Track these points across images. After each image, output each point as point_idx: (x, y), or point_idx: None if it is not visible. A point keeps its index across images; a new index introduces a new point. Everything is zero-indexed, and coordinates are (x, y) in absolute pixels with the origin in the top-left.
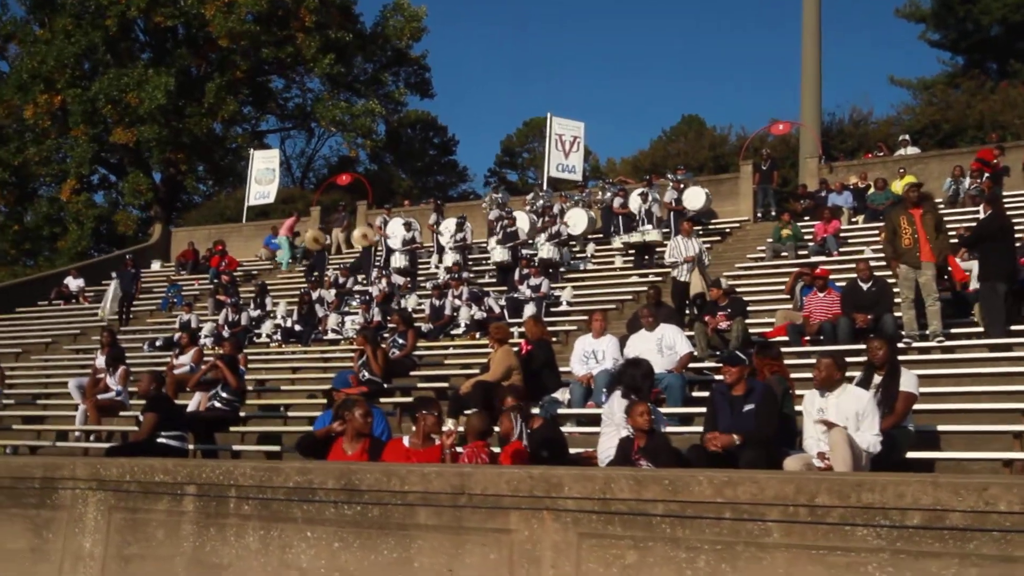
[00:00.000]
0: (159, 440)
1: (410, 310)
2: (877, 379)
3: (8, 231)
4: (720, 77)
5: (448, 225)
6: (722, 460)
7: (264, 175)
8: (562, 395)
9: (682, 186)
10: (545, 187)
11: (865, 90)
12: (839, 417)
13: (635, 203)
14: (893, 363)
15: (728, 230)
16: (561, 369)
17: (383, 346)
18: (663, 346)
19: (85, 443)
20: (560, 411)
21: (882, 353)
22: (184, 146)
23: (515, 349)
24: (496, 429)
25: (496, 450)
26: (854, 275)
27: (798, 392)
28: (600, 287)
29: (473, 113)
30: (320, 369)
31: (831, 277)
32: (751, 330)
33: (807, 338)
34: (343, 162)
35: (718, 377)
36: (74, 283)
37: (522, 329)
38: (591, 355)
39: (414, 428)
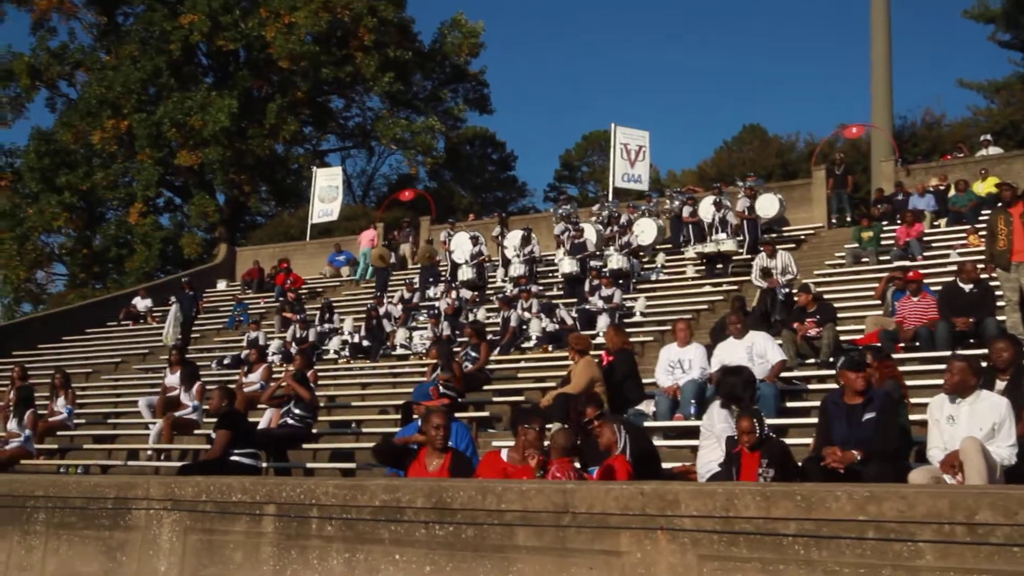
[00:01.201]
0: (232, 458)
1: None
2: (1000, 384)
3: (77, 255)
4: (780, 86)
5: (513, 237)
6: (840, 475)
7: (327, 193)
8: (647, 407)
9: (753, 193)
10: (611, 197)
11: (935, 93)
12: (973, 425)
13: (707, 211)
14: (1019, 366)
15: (803, 237)
16: (644, 381)
17: (456, 360)
18: (754, 354)
19: (156, 462)
20: (646, 424)
21: (1007, 355)
22: (247, 167)
23: (596, 360)
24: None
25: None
26: (946, 279)
27: (913, 401)
28: (673, 297)
29: (531, 128)
30: (390, 384)
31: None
32: (840, 337)
33: (901, 344)
34: (403, 180)
35: (819, 387)
36: (142, 303)
37: (599, 340)
38: (677, 365)
39: (513, 442)
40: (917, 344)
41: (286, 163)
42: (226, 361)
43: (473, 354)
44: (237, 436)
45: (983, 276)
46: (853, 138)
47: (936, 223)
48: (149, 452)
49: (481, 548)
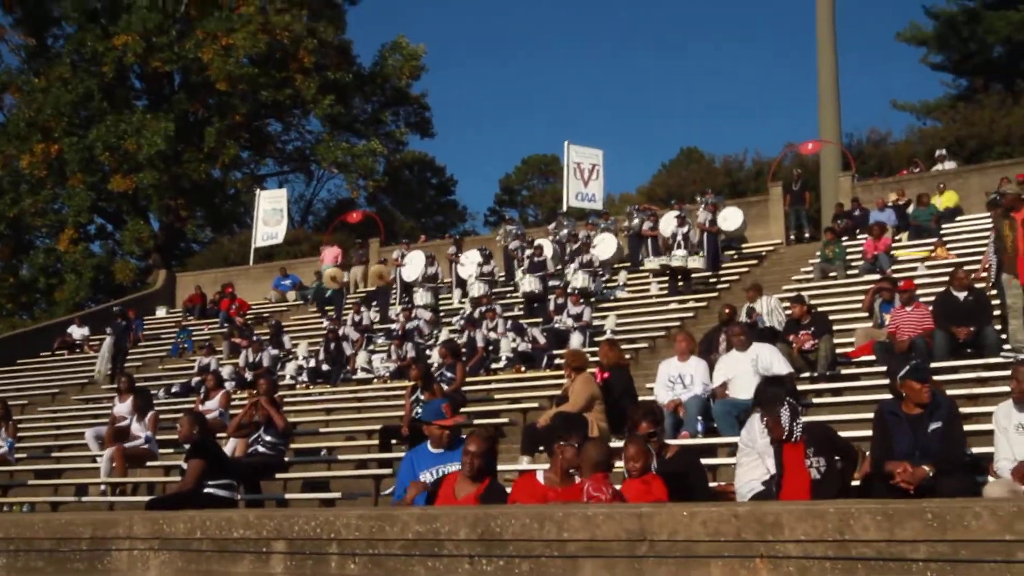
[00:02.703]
0: (206, 490)
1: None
2: None
3: (4, 284)
4: (717, 107)
5: (470, 257)
6: (909, 495)
7: (271, 216)
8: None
9: (715, 207)
10: (567, 216)
11: (877, 114)
12: None
13: (669, 225)
14: None
15: (764, 253)
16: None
17: (436, 382)
18: (759, 367)
19: (111, 497)
20: None
21: None
22: (184, 192)
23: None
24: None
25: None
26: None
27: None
28: (639, 315)
29: (470, 152)
30: (355, 409)
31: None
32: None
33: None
34: (343, 204)
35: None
36: (78, 332)
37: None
38: (677, 380)
39: (549, 462)
40: (912, 355)
41: (223, 187)
42: (174, 389)
43: (449, 374)
44: (211, 466)
45: (978, 285)
46: (809, 154)
47: (898, 237)
48: (102, 487)
49: None
